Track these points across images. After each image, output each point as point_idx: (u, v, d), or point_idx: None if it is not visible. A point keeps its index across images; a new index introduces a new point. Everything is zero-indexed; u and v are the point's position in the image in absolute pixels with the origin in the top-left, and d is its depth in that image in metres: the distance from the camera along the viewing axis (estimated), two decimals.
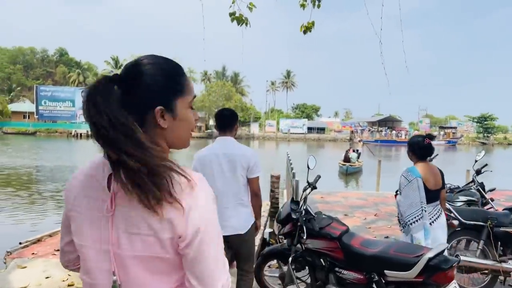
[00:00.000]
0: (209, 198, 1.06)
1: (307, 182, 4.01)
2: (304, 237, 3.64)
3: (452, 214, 4.76)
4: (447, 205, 4.88)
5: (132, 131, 0.99)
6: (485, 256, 4.66)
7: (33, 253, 5.73)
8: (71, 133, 61.77)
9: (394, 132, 67.95)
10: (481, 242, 4.65)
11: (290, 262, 3.83)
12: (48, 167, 22.11)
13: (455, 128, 73.01)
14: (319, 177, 4.08)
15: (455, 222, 4.70)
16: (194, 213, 1.01)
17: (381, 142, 61.65)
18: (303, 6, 6.69)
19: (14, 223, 9.70)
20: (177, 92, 1.11)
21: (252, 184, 3.39)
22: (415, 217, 3.77)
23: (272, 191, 11.71)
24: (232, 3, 5.71)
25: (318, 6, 6.79)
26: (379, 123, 75.57)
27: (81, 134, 60.26)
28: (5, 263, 5.74)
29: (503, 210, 5.04)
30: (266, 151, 42.44)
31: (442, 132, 70.93)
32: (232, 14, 6.10)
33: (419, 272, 3.00)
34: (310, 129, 75.61)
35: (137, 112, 1.04)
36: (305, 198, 3.95)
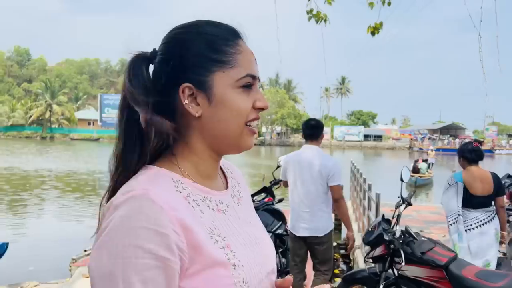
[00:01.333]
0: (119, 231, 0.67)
1: (401, 197, 3.48)
2: (403, 263, 3.09)
3: None
4: None
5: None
6: None
7: None
8: None
9: (457, 140, 64.07)
10: None
11: None
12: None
13: None
14: (414, 192, 3.54)
15: None
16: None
17: (443, 150, 58.35)
18: (371, 5, 6.18)
19: (80, 229, 9.86)
20: (213, 62, 0.76)
21: (333, 192, 3.62)
22: (451, 220, 3.95)
23: None
24: (308, 0, 5.28)
25: (389, 4, 6.24)
26: (441, 130, 71.80)
27: None
28: (70, 270, 5.66)
29: None
30: None
31: (511, 141, 65.99)
32: (309, 12, 5.73)
33: None
34: (366, 137, 73.13)
35: (161, 96, 0.76)
36: (398, 216, 3.43)
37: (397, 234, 3.33)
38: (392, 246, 3.26)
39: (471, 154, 4.00)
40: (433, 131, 72.23)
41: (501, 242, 4.04)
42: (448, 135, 68.29)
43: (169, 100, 0.77)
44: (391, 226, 3.41)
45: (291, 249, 3.91)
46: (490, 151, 60.08)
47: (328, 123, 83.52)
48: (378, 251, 3.35)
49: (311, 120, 3.84)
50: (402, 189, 3.53)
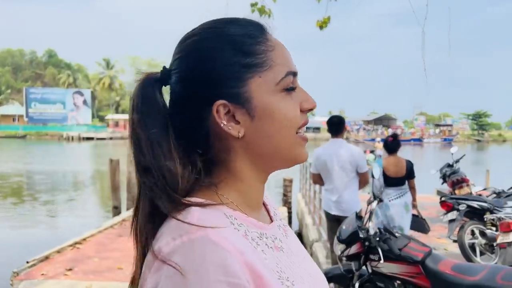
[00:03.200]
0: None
1: (372, 194, 3.48)
2: (381, 260, 3.08)
3: None
4: None
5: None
6: None
7: (42, 274, 5.15)
8: (62, 136, 60.62)
9: (390, 130, 67.73)
10: None
11: None
12: (43, 172, 21.30)
13: (450, 125, 73.09)
14: (383, 188, 3.56)
15: None
16: None
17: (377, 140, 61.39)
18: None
19: (17, 238, 9.02)
20: (246, 69, 0.63)
21: (362, 177, 4.27)
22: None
23: (284, 195, 11.18)
24: None
25: None
26: (375, 121, 75.39)
27: (72, 136, 59.26)
28: (11, 285, 5.13)
29: None
30: None
31: (437, 130, 70.98)
32: (253, 5, 5.68)
33: None
34: (306, 129, 74.90)
35: (187, 121, 0.64)
36: (371, 213, 3.43)
37: (371, 231, 3.32)
38: (367, 243, 3.24)
39: (387, 146, 5.19)
40: (367, 122, 75.67)
41: (414, 205, 5.14)
42: (382, 126, 71.92)
43: (198, 124, 0.63)
44: (364, 223, 3.40)
45: (328, 227, 4.58)
46: (420, 139, 64.32)
47: None
48: (354, 249, 3.31)
49: (334, 117, 4.38)
50: (373, 185, 3.53)
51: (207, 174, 0.64)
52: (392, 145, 5.16)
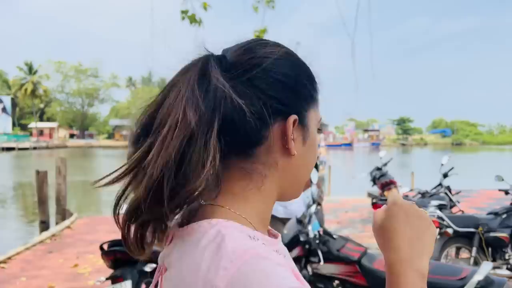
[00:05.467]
0: None
1: (311, 198, 3.61)
2: (321, 262, 3.20)
3: (445, 222, 4.62)
4: (439, 213, 4.78)
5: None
6: (477, 263, 4.58)
7: None
8: None
9: (322, 135, 70.27)
10: (474, 249, 4.56)
11: None
12: None
13: (378, 131, 77.60)
14: (321, 192, 3.70)
15: (450, 231, 4.57)
16: None
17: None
18: (256, 9, 6.37)
19: None
20: (312, 98, 0.67)
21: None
22: None
23: None
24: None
25: (273, 7, 6.53)
26: None
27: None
28: None
29: (487, 214, 5.03)
30: None
31: (366, 135, 74.97)
32: (184, 12, 5.66)
33: None
34: None
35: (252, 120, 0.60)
36: (311, 217, 3.54)
37: (311, 234, 3.43)
38: (307, 246, 3.35)
39: None
40: None
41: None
42: None
43: (259, 127, 0.60)
44: (304, 226, 3.51)
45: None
46: (350, 144, 67.48)
47: None
48: (295, 252, 3.41)
49: None
50: (312, 190, 3.66)
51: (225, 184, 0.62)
52: None
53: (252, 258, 0.52)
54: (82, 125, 76.99)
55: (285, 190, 0.67)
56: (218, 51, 0.65)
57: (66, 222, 8.42)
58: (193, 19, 5.64)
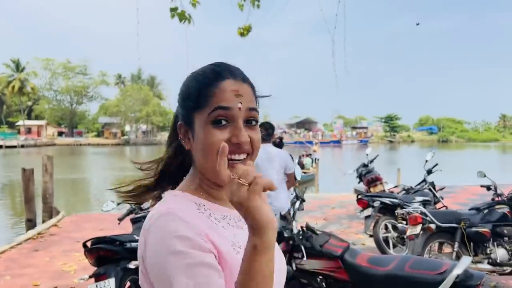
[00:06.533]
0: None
1: (296, 194, 3.64)
2: (304, 258, 3.24)
3: (428, 218, 4.69)
4: (422, 209, 4.86)
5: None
6: (459, 258, 4.66)
7: None
8: None
9: (311, 133, 70.62)
10: (456, 244, 4.64)
11: None
12: None
13: (366, 128, 78.08)
14: (305, 188, 3.74)
15: (432, 226, 4.64)
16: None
17: (300, 143, 63.58)
18: (241, 7, 6.37)
19: None
20: (190, 104, 0.90)
21: (290, 177, 4.37)
22: None
23: None
24: None
25: (258, 6, 6.52)
26: (297, 125, 78.08)
27: None
28: None
29: (469, 209, 5.12)
30: None
31: (354, 132, 75.42)
32: (173, 10, 5.62)
33: None
34: None
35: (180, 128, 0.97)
36: (295, 213, 3.59)
37: (295, 230, 3.47)
38: (291, 242, 3.39)
39: (277, 146, 5.22)
40: (290, 126, 78.12)
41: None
42: (304, 129, 74.68)
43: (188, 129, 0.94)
44: (288, 223, 3.55)
45: None
46: (338, 141, 67.80)
47: None
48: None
49: (265, 123, 4.43)
50: (296, 187, 3.69)
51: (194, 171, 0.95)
52: (280, 145, 5.41)
53: (165, 213, 0.81)
54: (70, 123, 76.12)
55: (203, 172, 0.90)
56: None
57: (53, 220, 8.34)
58: (182, 16, 5.62)
